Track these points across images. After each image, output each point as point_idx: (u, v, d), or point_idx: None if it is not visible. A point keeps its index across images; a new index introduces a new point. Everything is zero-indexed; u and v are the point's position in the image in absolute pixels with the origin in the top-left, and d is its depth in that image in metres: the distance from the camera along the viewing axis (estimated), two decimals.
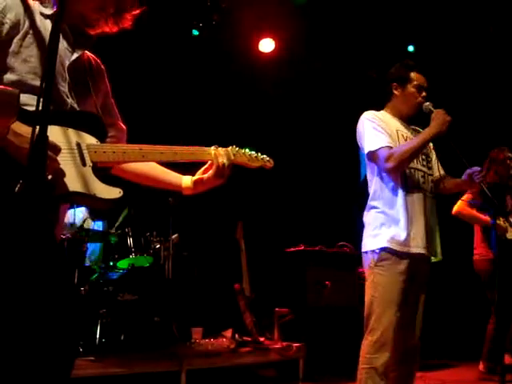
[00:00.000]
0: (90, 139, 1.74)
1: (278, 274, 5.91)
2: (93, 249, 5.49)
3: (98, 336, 4.47)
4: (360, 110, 3.25)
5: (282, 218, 7.02)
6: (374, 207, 3.10)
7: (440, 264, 3.24)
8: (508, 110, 6.33)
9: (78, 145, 1.70)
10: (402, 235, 2.95)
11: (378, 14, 6.14)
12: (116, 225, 5.36)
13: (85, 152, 1.70)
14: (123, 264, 5.14)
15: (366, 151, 3.05)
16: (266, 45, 6.62)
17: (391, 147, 2.99)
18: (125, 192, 1.73)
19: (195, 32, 6.20)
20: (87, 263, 5.22)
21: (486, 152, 5.22)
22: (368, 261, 3.03)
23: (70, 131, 1.69)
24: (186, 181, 2.05)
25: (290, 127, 7.08)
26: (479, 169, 3.09)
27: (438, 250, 3.14)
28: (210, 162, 2.03)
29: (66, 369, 1.64)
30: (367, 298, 3.00)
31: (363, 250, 3.09)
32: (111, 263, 5.11)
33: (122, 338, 4.59)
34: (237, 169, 2.20)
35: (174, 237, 5.30)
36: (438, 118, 2.99)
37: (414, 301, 3.05)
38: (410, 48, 6.61)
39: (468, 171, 3.10)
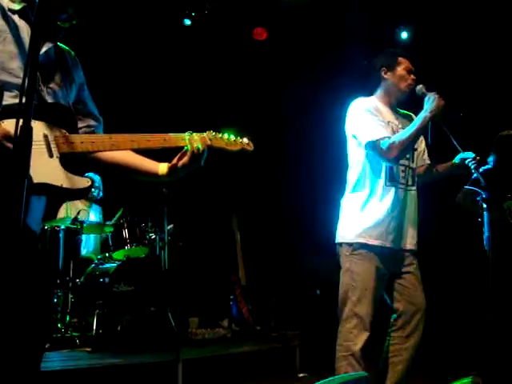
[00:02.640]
0: (58, 131, 1.74)
1: (274, 263, 5.92)
2: (88, 240, 5.51)
3: (94, 327, 4.50)
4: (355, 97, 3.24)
5: (277, 207, 7.00)
6: (352, 199, 3.14)
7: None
8: (506, 97, 6.24)
9: (46, 136, 1.70)
10: (377, 230, 3.01)
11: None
12: (111, 222, 5.35)
13: (52, 143, 1.70)
14: (119, 255, 5.15)
15: (364, 140, 3.03)
16: (259, 33, 6.60)
17: (390, 137, 2.99)
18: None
19: (187, 21, 6.17)
20: (83, 254, 5.24)
21: (484, 139, 5.11)
22: (343, 250, 3.07)
23: (38, 123, 1.69)
24: (163, 167, 2.03)
25: (284, 117, 7.03)
26: (474, 155, 3.05)
27: (414, 242, 3.14)
28: (185, 148, 2.02)
29: (33, 359, 1.64)
30: (342, 286, 3.04)
31: (338, 241, 3.13)
32: (107, 254, 5.13)
33: (119, 328, 4.61)
34: (230, 158, 2.18)
35: (169, 227, 5.30)
36: (432, 102, 2.98)
37: (406, 285, 3.08)
38: (404, 35, 6.54)
39: (461, 155, 3.08)
